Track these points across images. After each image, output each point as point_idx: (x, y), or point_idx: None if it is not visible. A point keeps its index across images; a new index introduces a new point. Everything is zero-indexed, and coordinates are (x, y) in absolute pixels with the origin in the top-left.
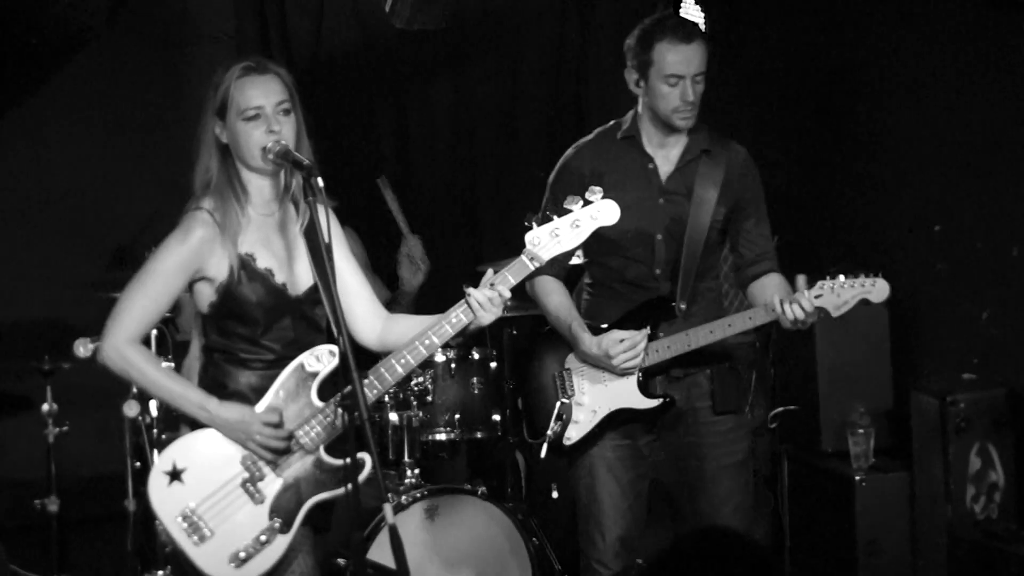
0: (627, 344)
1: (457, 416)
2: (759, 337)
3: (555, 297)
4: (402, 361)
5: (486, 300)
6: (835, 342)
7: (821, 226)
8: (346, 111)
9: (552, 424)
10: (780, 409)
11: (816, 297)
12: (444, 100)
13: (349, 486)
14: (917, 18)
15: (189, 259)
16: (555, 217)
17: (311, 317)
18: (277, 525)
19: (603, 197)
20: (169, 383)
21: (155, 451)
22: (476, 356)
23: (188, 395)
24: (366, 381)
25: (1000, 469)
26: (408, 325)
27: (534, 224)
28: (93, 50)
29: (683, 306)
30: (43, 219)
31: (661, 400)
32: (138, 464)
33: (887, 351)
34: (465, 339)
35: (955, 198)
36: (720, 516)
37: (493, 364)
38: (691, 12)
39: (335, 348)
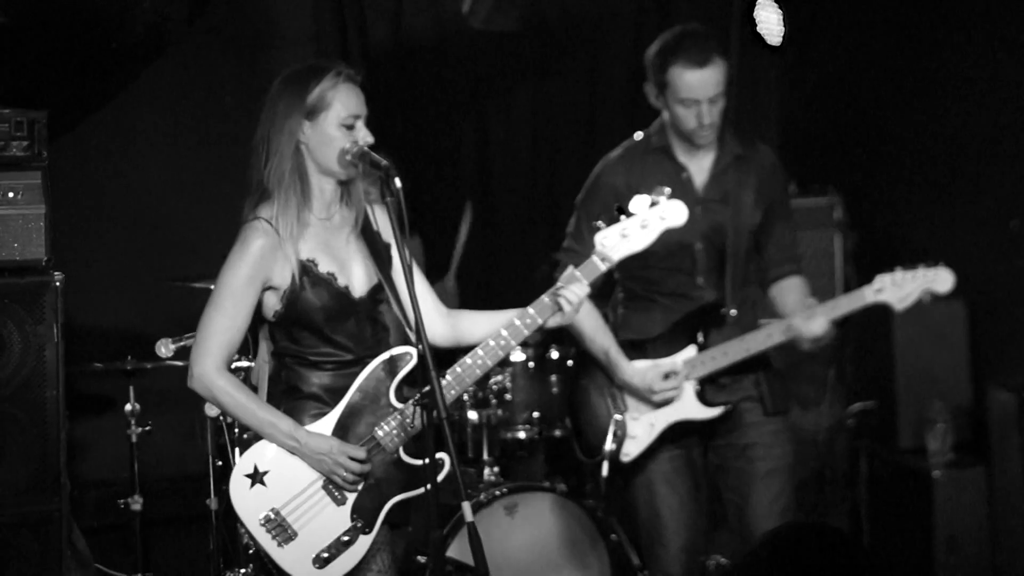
0: (671, 383)
1: (536, 414)
2: (837, 334)
3: (589, 320)
4: (479, 362)
5: (575, 297)
6: (913, 338)
7: (897, 224)
8: (425, 113)
9: (609, 441)
10: (858, 406)
11: (877, 291)
12: (523, 101)
13: (429, 486)
14: (991, 16)
15: (255, 271)
16: (623, 218)
17: (376, 317)
18: (360, 525)
19: (669, 198)
20: (258, 411)
21: (236, 450)
22: (555, 355)
23: (278, 424)
24: (444, 382)
25: None
26: (473, 320)
27: (602, 225)
28: (175, 53)
29: (733, 312)
30: (126, 219)
31: (723, 408)
32: (220, 463)
33: (965, 347)
34: (543, 338)
35: None
36: (769, 519)
37: (571, 363)
38: (769, 10)
39: (411, 349)
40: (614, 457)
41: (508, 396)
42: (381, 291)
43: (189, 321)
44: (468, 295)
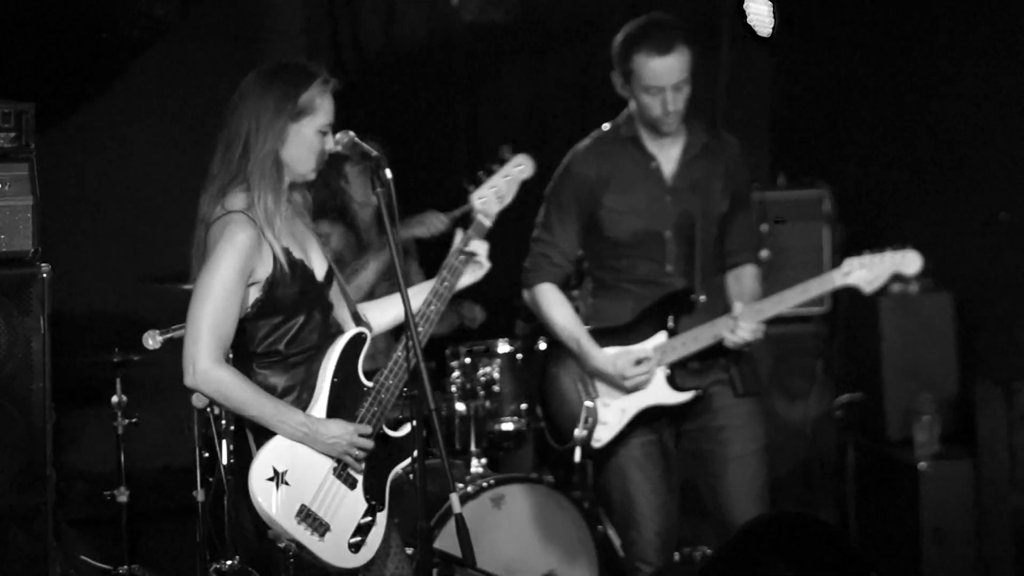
0: (642, 369)
1: (523, 406)
2: (825, 326)
3: (559, 309)
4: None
5: (482, 249)
6: (901, 330)
7: (885, 217)
8: (416, 107)
9: (579, 428)
10: (846, 397)
11: (846, 275)
12: (516, 94)
13: (412, 477)
14: (982, 11)
15: (244, 264)
16: (488, 179)
17: (329, 303)
18: (374, 504)
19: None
20: (267, 403)
21: (223, 441)
22: (543, 346)
23: (288, 415)
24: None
25: None
26: (381, 308)
27: (472, 188)
28: (164, 46)
29: (702, 298)
30: (113, 211)
31: (693, 393)
32: (206, 455)
33: (952, 339)
34: (532, 329)
35: (1021, 185)
36: (743, 503)
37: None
38: (759, 2)
39: (365, 329)
40: (585, 443)
41: (496, 388)
42: (333, 275)
43: (177, 313)
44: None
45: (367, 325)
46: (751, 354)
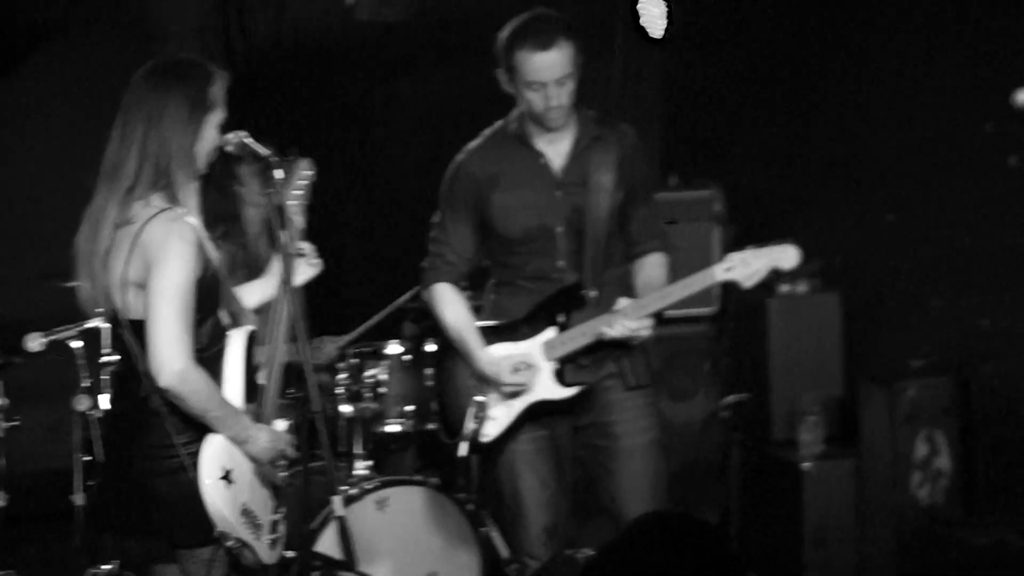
0: (519, 377)
1: (409, 407)
2: (713, 326)
3: (450, 308)
4: None
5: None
6: (788, 330)
7: (776, 218)
8: (308, 106)
9: (469, 422)
10: (732, 398)
11: (727, 270)
12: (413, 96)
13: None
14: (874, 13)
15: (195, 265)
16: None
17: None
18: (277, 504)
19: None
20: (226, 405)
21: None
22: (431, 347)
23: (241, 419)
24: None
25: (947, 456)
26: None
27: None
28: (54, 45)
29: (593, 293)
30: None
31: (579, 388)
32: (87, 459)
33: (838, 339)
34: (420, 331)
35: (908, 188)
36: (636, 497)
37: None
38: (652, 4)
39: (251, 326)
40: (474, 439)
41: (383, 390)
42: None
43: (60, 315)
44: (352, 302)
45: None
46: (643, 347)
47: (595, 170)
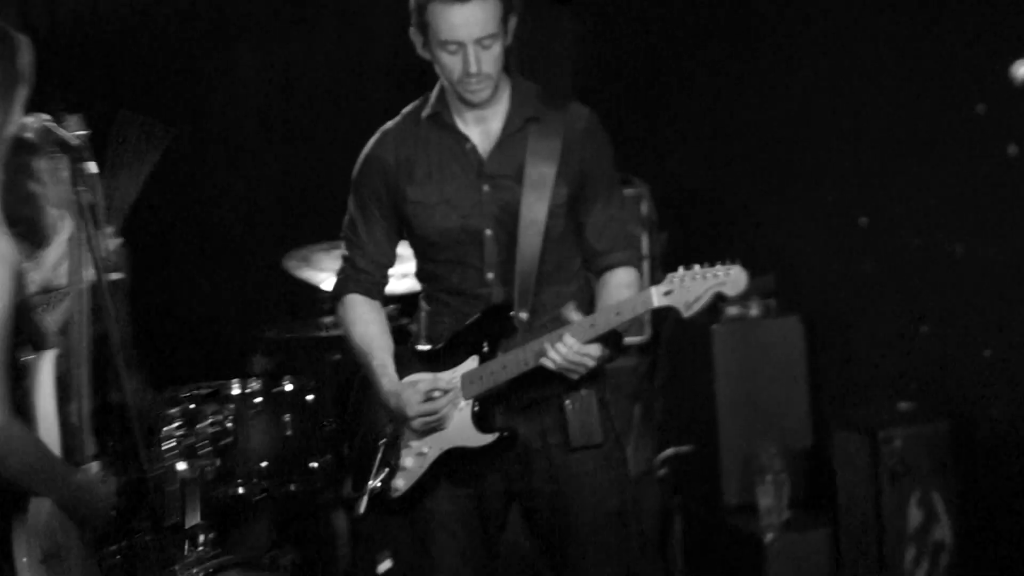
0: (430, 406)
1: (263, 464)
2: (644, 359)
3: (359, 326)
4: None
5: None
6: (739, 364)
7: (718, 224)
8: (127, 88)
9: (375, 472)
10: (670, 451)
11: (666, 294)
12: (253, 68)
13: None
14: (827, 5)
15: (15, 289)
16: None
17: None
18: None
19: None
20: (56, 458)
21: None
22: (289, 387)
23: (73, 474)
24: None
25: (947, 524)
26: None
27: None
28: None
29: (523, 316)
30: None
31: (497, 435)
32: None
33: (803, 375)
34: (275, 366)
35: (884, 185)
36: None
37: (311, 397)
38: None
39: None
40: (381, 492)
41: (229, 441)
42: None
43: None
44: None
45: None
46: (597, 395)
47: (531, 160)
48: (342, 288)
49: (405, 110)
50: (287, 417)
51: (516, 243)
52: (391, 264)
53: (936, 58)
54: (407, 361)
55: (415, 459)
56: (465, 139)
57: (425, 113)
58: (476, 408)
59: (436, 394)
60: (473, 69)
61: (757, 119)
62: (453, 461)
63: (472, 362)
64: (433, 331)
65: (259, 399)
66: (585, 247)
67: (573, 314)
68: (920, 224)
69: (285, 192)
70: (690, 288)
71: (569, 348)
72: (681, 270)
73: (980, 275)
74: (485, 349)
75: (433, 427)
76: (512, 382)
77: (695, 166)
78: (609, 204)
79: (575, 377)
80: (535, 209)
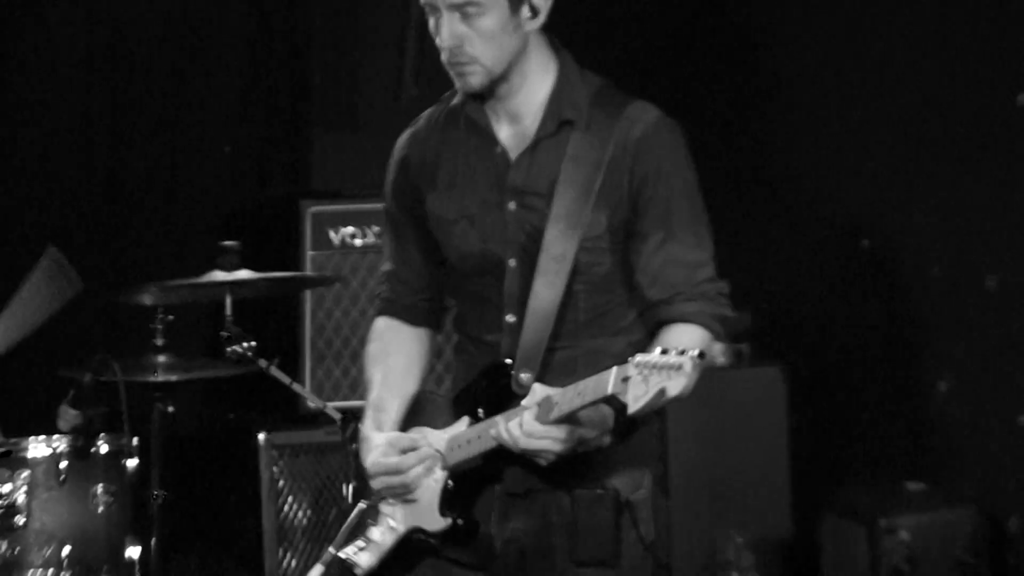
0: (393, 462)
1: (66, 549)
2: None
3: (378, 354)
4: None
5: None
6: (700, 429)
7: None
8: None
9: (343, 539)
10: None
11: (624, 380)
12: (68, 32)
13: None
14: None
15: None
16: None
17: None
18: None
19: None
20: None
21: None
22: (104, 449)
23: None
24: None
25: None
26: None
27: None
28: None
29: (525, 377)
30: None
31: (451, 522)
32: None
33: (784, 444)
34: (86, 422)
35: (892, 199)
36: None
37: (132, 462)
38: None
39: None
40: (346, 568)
41: (20, 519)
42: None
43: None
44: None
45: None
46: (611, 495)
47: (565, 175)
48: (378, 307)
49: (445, 95)
50: (99, 488)
51: (533, 279)
52: (432, 286)
53: (955, 47)
54: (422, 410)
55: (384, 533)
56: (494, 140)
57: (454, 101)
58: (448, 483)
59: (412, 452)
60: (446, 43)
61: (731, 126)
62: (415, 546)
63: (461, 425)
64: (454, 379)
65: (63, 464)
66: (638, 296)
67: (539, 387)
68: (939, 251)
69: (107, 188)
70: (646, 377)
71: (522, 432)
72: (657, 352)
73: (1017, 315)
74: (480, 414)
75: (399, 493)
76: (511, 460)
77: None
78: (670, 240)
79: (543, 463)
80: (562, 241)
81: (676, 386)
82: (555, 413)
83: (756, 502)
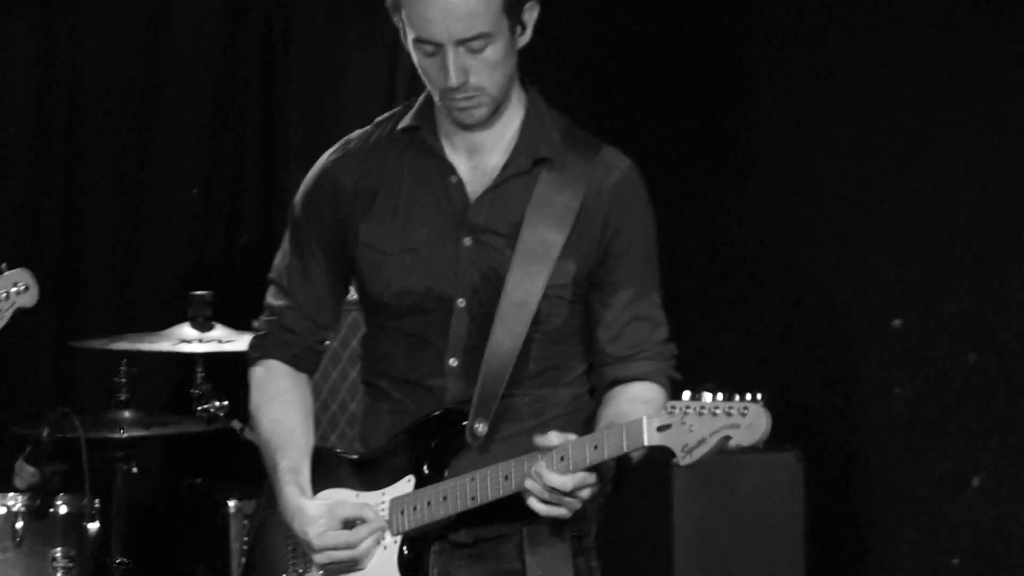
0: (343, 539)
1: None
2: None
3: (275, 408)
4: None
5: None
6: (708, 518)
7: (698, 324)
8: None
9: None
10: None
11: (660, 429)
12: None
13: None
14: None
15: None
16: None
17: None
18: None
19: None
20: None
21: None
22: (63, 510)
23: None
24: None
25: None
26: None
27: None
28: None
29: (480, 428)
30: None
31: None
32: None
33: (800, 537)
34: (50, 479)
35: (927, 273)
36: None
37: (94, 526)
38: None
39: None
40: None
41: None
42: None
43: None
44: None
45: None
46: (566, 534)
47: (532, 216)
48: (260, 350)
49: (380, 118)
50: (57, 552)
51: (491, 326)
52: (331, 326)
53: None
54: (329, 468)
55: None
56: (450, 169)
57: (402, 124)
58: (405, 550)
59: (358, 524)
60: (453, 81)
61: (749, 209)
62: None
63: (407, 484)
64: (368, 431)
65: (19, 525)
66: (595, 349)
67: (551, 438)
68: (979, 327)
69: (64, 232)
70: (693, 426)
71: (559, 483)
72: (686, 397)
73: None
74: (426, 470)
75: (346, 568)
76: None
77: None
78: (640, 298)
79: (567, 514)
80: (526, 286)
81: (748, 436)
82: (570, 466)
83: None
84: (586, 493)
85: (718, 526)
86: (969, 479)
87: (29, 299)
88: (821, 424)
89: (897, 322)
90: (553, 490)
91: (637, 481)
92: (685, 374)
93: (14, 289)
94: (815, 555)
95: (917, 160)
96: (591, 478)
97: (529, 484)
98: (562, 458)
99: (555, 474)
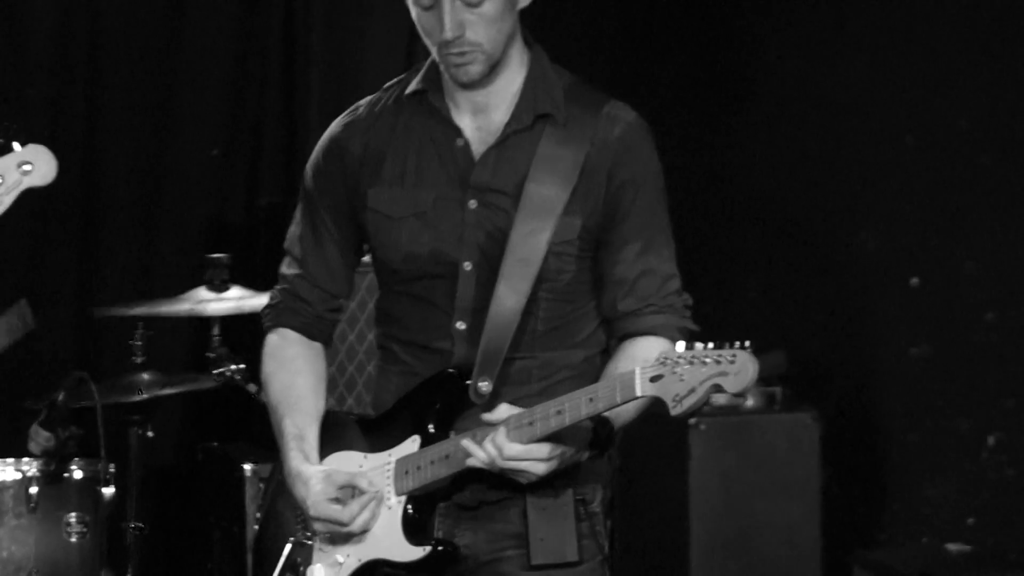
0: (336, 513)
1: None
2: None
3: (284, 375)
4: None
5: None
6: (725, 479)
7: (720, 280)
8: None
9: None
10: None
11: (653, 380)
12: (40, 21)
13: None
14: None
15: None
16: None
17: None
18: None
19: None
20: None
21: None
22: (78, 475)
23: None
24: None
25: None
26: None
27: None
28: None
29: (484, 387)
30: None
31: (430, 548)
32: None
33: (816, 498)
34: (66, 444)
35: (941, 241)
36: None
37: (109, 491)
38: None
39: None
40: None
41: None
42: None
43: None
44: None
45: None
46: (566, 496)
47: (535, 173)
48: (274, 318)
49: (388, 84)
50: (72, 517)
51: (495, 285)
52: (344, 295)
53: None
54: (340, 431)
55: (329, 568)
56: (456, 132)
57: (409, 89)
58: (409, 509)
59: (354, 494)
60: (448, 34)
61: (764, 151)
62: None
63: (412, 444)
64: (379, 394)
65: (33, 490)
66: (604, 305)
67: (500, 410)
68: (996, 287)
69: (83, 194)
70: (684, 376)
71: (500, 454)
72: (680, 347)
73: None
74: (431, 429)
75: (344, 536)
76: (467, 473)
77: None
78: (648, 251)
79: (523, 482)
80: (530, 244)
81: (736, 383)
82: (536, 433)
83: (783, 559)
84: (537, 467)
85: (735, 487)
86: (985, 438)
87: (39, 178)
88: (838, 384)
89: (915, 281)
90: (500, 462)
91: (654, 443)
92: (703, 320)
93: (20, 170)
94: (831, 515)
95: (937, 119)
96: (540, 451)
97: (465, 442)
98: (559, 412)
99: (501, 441)
